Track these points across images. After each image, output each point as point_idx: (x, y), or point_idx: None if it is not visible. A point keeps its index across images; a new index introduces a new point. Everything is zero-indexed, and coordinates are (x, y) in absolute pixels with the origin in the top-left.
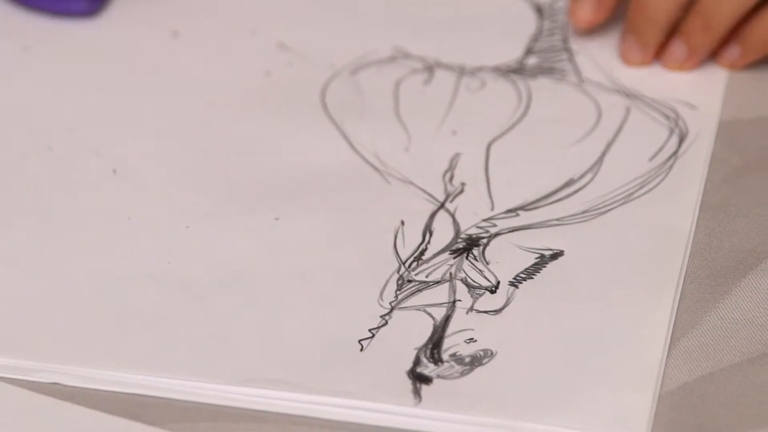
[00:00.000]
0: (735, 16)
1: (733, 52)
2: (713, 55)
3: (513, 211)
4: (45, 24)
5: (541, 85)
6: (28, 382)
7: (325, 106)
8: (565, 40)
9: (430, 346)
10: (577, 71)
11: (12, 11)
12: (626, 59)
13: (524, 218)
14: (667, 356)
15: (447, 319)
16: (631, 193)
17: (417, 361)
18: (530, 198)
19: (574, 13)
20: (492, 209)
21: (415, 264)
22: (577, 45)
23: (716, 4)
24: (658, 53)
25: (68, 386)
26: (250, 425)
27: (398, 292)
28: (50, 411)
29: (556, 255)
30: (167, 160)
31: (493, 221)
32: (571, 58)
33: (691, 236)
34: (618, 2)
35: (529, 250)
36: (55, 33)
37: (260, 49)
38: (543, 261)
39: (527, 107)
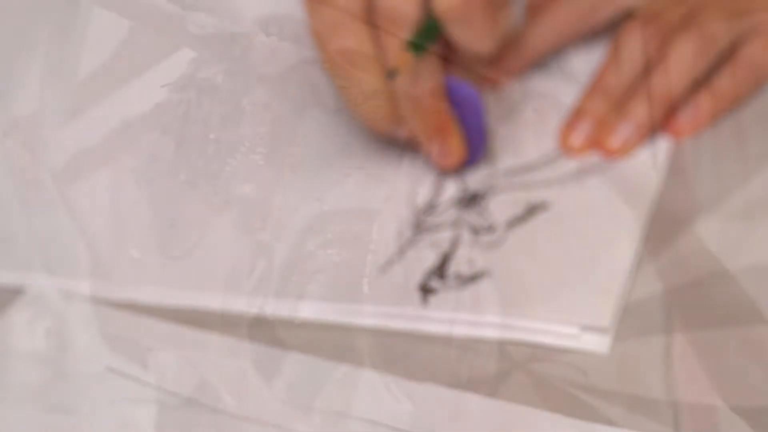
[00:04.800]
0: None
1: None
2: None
3: (513, 171)
4: None
5: (536, 83)
6: (107, 299)
7: None
8: None
9: (438, 268)
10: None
11: None
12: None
13: (522, 178)
14: (635, 277)
15: (452, 249)
16: (611, 163)
17: (426, 279)
18: (528, 162)
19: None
20: (495, 168)
21: (428, 210)
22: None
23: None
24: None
25: (142, 303)
26: (288, 327)
27: (414, 232)
28: (127, 322)
29: (546, 205)
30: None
31: (495, 178)
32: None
33: (657, 192)
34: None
35: (524, 201)
36: None
37: None
38: (534, 209)
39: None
